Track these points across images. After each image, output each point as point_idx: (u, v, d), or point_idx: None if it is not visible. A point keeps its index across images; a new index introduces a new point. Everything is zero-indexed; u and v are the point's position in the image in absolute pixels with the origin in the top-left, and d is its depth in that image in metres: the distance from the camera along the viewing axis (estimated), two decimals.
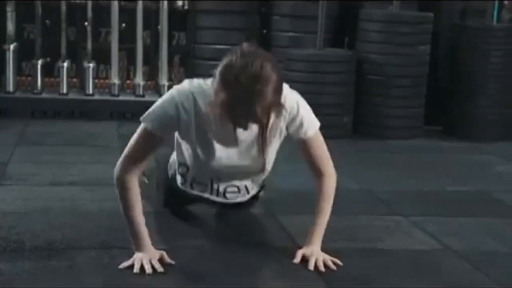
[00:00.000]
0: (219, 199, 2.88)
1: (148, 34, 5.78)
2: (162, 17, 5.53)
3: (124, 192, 2.58)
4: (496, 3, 5.44)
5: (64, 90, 5.47)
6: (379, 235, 3.11)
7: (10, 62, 5.37)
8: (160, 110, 2.56)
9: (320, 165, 2.73)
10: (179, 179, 2.91)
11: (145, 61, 5.63)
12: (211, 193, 2.86)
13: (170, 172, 2.98)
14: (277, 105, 2.39)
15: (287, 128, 2.65)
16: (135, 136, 2.62)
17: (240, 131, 2.56)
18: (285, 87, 2.53)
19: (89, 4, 5.52)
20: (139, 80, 5.55)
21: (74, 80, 5.67)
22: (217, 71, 2.35)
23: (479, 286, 2.62)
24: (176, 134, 2.73)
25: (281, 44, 5.43)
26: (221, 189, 2.84)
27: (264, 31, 5.63)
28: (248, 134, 2.60)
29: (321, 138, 2.73)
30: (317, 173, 2.75)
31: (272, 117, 2.46)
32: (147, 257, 2.55)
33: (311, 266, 2.65)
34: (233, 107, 2.31)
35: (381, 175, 4.17)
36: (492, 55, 5.22)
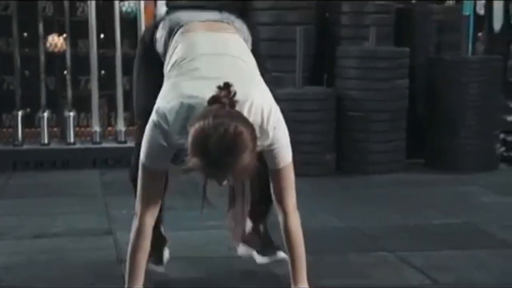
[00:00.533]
0: None
1: (128, 80, 5.80)
2: None
3: (138, 231, 2.56)
4: (470, 35, 5.52)
5: (46, 140, 5.45)
6: (367, 271, 3.11)
7: None
8: (148, 143, 2.52)
9: (286, 199, 2.67)
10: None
11: (126, 107, 5.64)
12: None
13: None
14: (252, 165, 2.31)
15: (262, 153, 2.59)
16: (139, 179, 2.58)
17: None
18: (269, 103, 2.50)
19: (68, 53, 5.53)
20: (121, 126, 5.55)
21: (55, 129, 5.65)
22: (189, 134, 2.28)
23: None
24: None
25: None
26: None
27: None
28: None
29: (291, 170, 2.66)
30: (283, 208, 2.68)
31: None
32: None
33: None
34: (205, 173, 2.28)
35: (366, 211, 4.17)
36: (469, 86, 5.28)
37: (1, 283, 2.90)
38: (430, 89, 5.50)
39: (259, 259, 3.06)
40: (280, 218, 2.71)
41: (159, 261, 2.97)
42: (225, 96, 2.34)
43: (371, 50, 5.29)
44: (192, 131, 2.28)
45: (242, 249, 3.13)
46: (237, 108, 2.35)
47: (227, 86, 2.36)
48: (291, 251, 2.71)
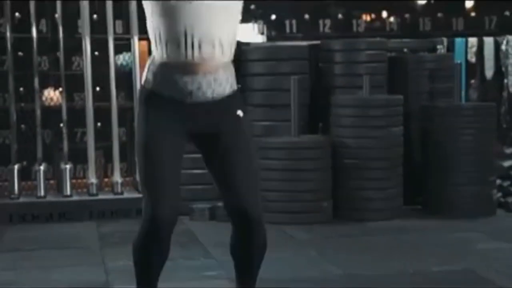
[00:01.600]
0: (196, 56, 2.60)
1: (123, 131, 5.82)
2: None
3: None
4: (463, 83, 5.57)
5: (42, 193, 5.44)
6: None
7: None
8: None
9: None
10: (150, 78, 2.71)
11: (122, 158, 5.65)
12: (185, 49, 2.61)
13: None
14: None
15: None
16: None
17: None
18: None
19: (64, 106, 5.56)
20: (117, 177, 5.55)
21: (52, 182, 5.65)
22: None
23: None
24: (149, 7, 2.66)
25: (255, 133, 5.47)
26: (196, 42, 2.60)
27: None
28: None
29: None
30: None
31: None
32: None
33: None
34: None
35: (365, 258, 4.16)
36: (464, 133, 5.31)
37: None
38: (425, 136, 5.53)
39: None
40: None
41: None
42: None
43: (365, 98, 5.33)
44: None
45: None
46: None
47: None
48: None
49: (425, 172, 5.49)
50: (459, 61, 5.78)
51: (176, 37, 2.59)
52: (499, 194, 5.51)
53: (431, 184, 5.43)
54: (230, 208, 2.65)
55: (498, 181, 5.52)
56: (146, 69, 2.69)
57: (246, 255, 2.72)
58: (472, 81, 6.00)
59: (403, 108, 5.38)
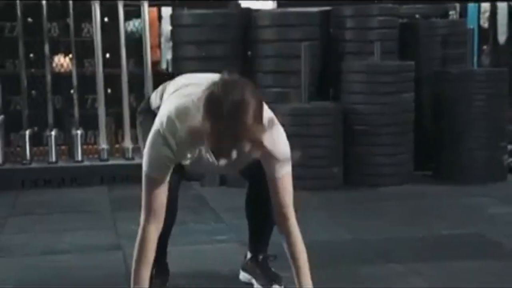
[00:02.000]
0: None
1: (134, 97, 5.83)
2: (147, 81, 5.59)
3: (141, 241, 2.59)
4: (475, 49, 5.53)
5: (53, 159, 5.47)
6: (376, 283, 3.10)
7: None
8: (152, 152, 2.58)
9: (285, 210, 2.71)
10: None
11: (133, 125, 5.65)
12: None
13: None
14: (259, 134, 2.40)
15: (261, 160, 2.65)
16: (143, 188, 2.62)
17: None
18: (269, 118, 2.58)
19: (74, 72, 5.57)
20: (128, 143, 5.57)
21: (63, 147, 5.68)
22: (201, 103, 2.38)
23: None
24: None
25: (266, 100, 5.47)
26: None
27: None
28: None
29: (290, 179, 2.71)
30: (282, 219, 2.71)
31: (248, 146, 2.42)
32: None
33: None
34: (216, 136, 2.34)
35: (375, 224, 4.17)
36: (475, 99, 5.29)
37: None
38: (436, 102, 5.50)
39: (257, 286, 3.10)
40: (281, 228, 2.73)
41: None
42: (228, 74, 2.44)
43: (376, 64, 5.30)
44: (203, 97, 2.37)
45: (242, 276, 3.19)
46: None
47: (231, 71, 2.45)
48: (295, 258, 2.72)
49: (436, 138, 5.48)
50: (471, 27, 5.73)
51: None
52: (510, 160, 5.50)
53: (442, 150, 5.42)
54: None
55: (510, 147, 5.50)
56: None
57: (261, 211, 2.83)
58: (485, 46, 5.95)
59: (415, 74, 5.35)
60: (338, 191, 5.03)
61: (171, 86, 2.88)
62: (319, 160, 5.08)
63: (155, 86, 5.53)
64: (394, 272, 3.26)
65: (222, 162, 2.51)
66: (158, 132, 2.57)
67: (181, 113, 2.57)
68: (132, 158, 5.51)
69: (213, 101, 2.35)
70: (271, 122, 2.63)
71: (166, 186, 2.62)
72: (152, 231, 2.60)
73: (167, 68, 5.82)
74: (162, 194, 2.61)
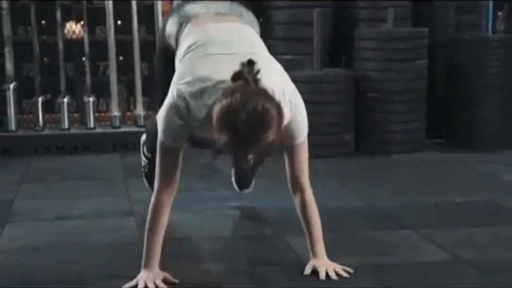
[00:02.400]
0: None
1: (145, 65, 5.82)
2: None
3: (155, 208, 2.61)
4: (490, 14, 5.47)
5: (66, 126, 5.49)
6: (388, 249, 3.10)
7: (10, 101, 5.40)
8: (166, 122, 2.56)
9: (301, 175, 2.72)
10: None
11: (145, 92, 5.66)
12: None
13: None
14: (276, 142, 2.37)
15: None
16: (157, 157, 2.62)
17: None
18: (288, 85, 2.54)
19: (86, 39, 5.56)
20: (140, 111, 5.58)
21: (75, 115, 5.69)
22: (216, 109, 2.32)
23: None
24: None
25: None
26: None
27: None
28: None
29: (306, 147, 2.71)
30: (298, 184, 2.73)
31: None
32: (151, 277, 2.59)
33: (322, 276, 2.66)
34: (232, 149, 2.32)
35: (386, 190, 4.16)
36: (489, 65, 5.24)
37: (26, 264, 2.92)
38: (450, 69, 5.46)
39: None
40: (296, 194, 2.73)
41: None
42: (249, 73, 2.35)
43: (389, 31, 5.25)
44: (219, 108, 2.31)
45: None
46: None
47: (251, 63, 2.36)
48: (309, 224, 2.74)
49: (449, 105, 5.44)
50: None
51: None
52: None
53: (455, 117, 5.39)
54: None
55: None
56: None
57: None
58: (499, 12, 5.87)
59: (428, 40, 5.30)
60: (350, 159, 5.03)
61: (188, 35, 2.75)
62: (331, 127, 5.07)
63: None
64: (405, 238, 3.26)
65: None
66: (174, 104, 2.52)
67: (196, 94, 2.49)
68: (144, 126, 5.51)
69: (230, 114, 2.26)
70: (293, 103, 2.57)
71: (180, 155, 2.61)
72: (166, 198, 2.60)
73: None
74: (176, 162, 2.61)
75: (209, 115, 2.40)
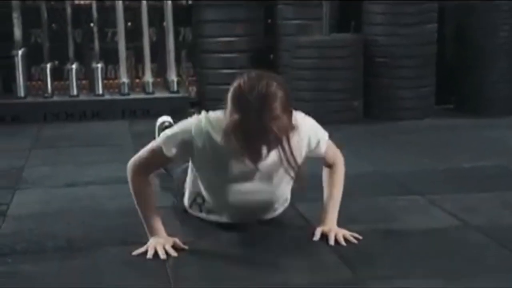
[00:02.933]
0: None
1: (154, 31, 5.79)
2: (167, 14, 5.54)
3: (138, 187, 2.67)
4: None
5: (75, 92, 5.50)
6: (397, 215, 3.11)
7: (19, 67, 5.40)
8: (176, 136, 2.63)
9: (333, 161, 2.84)
10: (195, 208, 2.92)
11: (153, 59, 5.65)
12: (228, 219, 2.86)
13: (188, 202, 2.96)
14: (288, 124, 2.45)
15: (306, 153, 2.71)
16: (149, 147, 2.70)
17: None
18: (297, 114, 2.60)
19: (94, 5, 5.53)
20: (148, 77, 5.57)
21: (84, 81, 5.69)
22: (228, 96, 2.45)
23: (503, 260, 2.61)
24: (191, 165, 2.77)
25: (286, 32, 5.44)
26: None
27: (269, 21, 5.64)
28: (268, 161, 2.59)
29: (331, 144, 2.81)
30: (329, 165, 2.86)
31: (285, 137, 2.47)
32: (160, 243, 2.62)
33: (331, 241, 2.70)
34: (245, 127, 2.38)
35: (395, 156, 4.17)
36: (499, 30, 5.20)
37: (36, 230, 2.95)
38: (459, 34, 5.42)
39: None
40: (325, 169, 2.83)
41: None
42: None
43: None
44: (229, 92, 2.45)
45: None
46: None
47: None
48: (328, 189, 2.79)
49: (459, 70, 5.42)
50: None
51: (220, 212, 2.81)
52: None
53: (465, 83, 5.37)
54: None
55: None
56: None
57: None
58: None
59: (438, 4, 5.26)
60: (359, 124, 5.03)
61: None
62: (339, 93, 5.07)
63: (175, 19, 5.56)
64: (414, 203, 3.28)
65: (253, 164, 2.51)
66: (189, 129, 2.61)
67: (212, 123, 2.59)
68: (153, 92, 5.51)
69: (240, 93, 2.40)
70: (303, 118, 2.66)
71: (168, 164, 2.78)
72: (146, 178, 2.69)
73: (187, 1, 5.75)
74: (161, 165, 2.77)
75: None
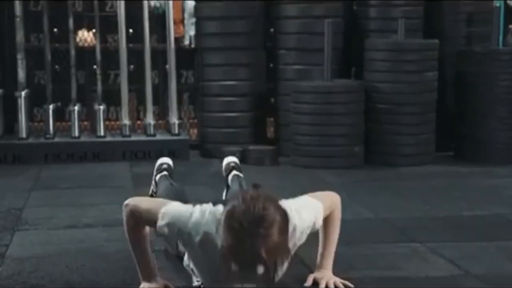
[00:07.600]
0: None
1: (156, 74, 5.84)
2: (170, 57, 5.59)
3: (132, 230, 2.65)
4: (501, 27, 5.47)
5: (76, 133, 5.51)
6: (396, 262, 3.10)
7: (22, 108, 5.43)
8: (174, 224, 2.53)
9: (329, 212, 2.76)
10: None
11: (155, 101, 5.69)
12: None
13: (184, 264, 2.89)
14: (283, 247, 2.34)
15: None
16: (149, 205, 2.64)
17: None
18: (285, 205, 2.45)
19: (98, 47, 5.59)
20: (150, 119, 5.59)
21: (86, 123, 5.72)
22: (222, 217, 2.32)
23: None
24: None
25: (288, 77, 5.48)
26: None
27: (271, 65, 5.68)
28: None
29: (326, 206, 2.71)
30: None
31: (278, 259, 2.37)
32: (153, 287, 2.61)
33: None
34: (239, 252, 2.26)
35: (396, 203, 4.16)
36: (499, 78, 5.24)
37: (35, 273, 2.93)
38: (460, 81, 5.46)
39: None
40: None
41: None
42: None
43: (399, 42, 5.27)
44: (224, 212, 2.31)
45: None
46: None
47: (256, 186, 2.37)
48: (324, 234, 2.74)
49: (459, 117, 5.44)
50: (498, 5, 5.65)
51: None
52: None
53: (464, 130, 5.39)
54: None
55: None
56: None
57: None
58: (510, 25, 5.86)
59: (439, 52, 5.31)
60: (359, 170, 5.03)
61: None
62: (340, 139, 5.09)
63: (178, 62, 5.61)
64: (414, 251, 3.26)
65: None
66: (187, 221, 2.51)
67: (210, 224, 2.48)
68: (154, 135, 5.53)
69: (234, 217, 2.25)
70: (295, 209, 2.54)
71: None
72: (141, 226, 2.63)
73: (190, 44, 5.81)
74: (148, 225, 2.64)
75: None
